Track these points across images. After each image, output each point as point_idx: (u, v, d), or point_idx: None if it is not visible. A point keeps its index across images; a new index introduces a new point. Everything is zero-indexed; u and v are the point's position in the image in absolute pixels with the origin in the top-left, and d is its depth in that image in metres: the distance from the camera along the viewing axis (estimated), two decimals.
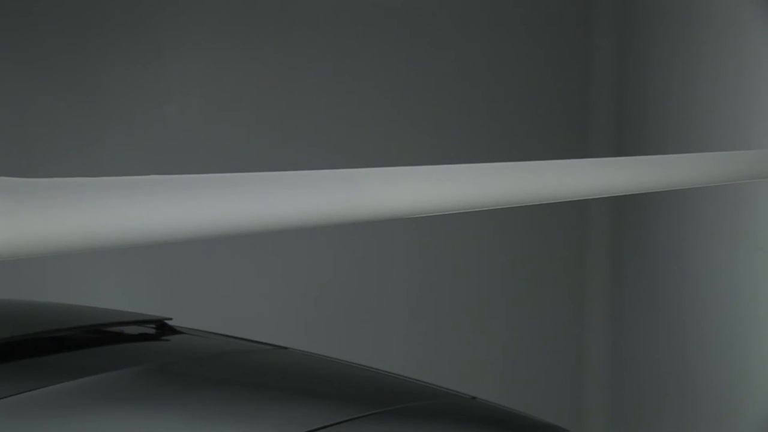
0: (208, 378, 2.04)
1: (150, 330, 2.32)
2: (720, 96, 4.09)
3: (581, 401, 4.90)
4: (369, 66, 4.53)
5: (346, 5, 4.48)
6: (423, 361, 4.56)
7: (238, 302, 4.34)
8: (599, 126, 4.87)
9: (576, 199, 1.66)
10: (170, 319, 2.36)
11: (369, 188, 1.31)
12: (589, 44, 4.86)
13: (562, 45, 4.86)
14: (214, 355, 2.20)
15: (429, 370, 4.12)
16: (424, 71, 4.63)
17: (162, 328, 2.32)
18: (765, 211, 3.91)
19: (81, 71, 4.13)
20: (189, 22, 4.25)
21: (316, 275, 4.48)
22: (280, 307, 4.41)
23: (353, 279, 4.55)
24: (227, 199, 1.17)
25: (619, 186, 1.74)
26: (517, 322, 4.86)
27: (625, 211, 4.73)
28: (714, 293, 4.19)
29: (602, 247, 4.88)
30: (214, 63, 4.30)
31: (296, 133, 4.42)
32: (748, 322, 4.03)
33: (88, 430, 1.65)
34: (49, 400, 1.72)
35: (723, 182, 2.00)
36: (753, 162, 2.04)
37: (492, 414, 2.04)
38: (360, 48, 4.51)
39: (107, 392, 1.81)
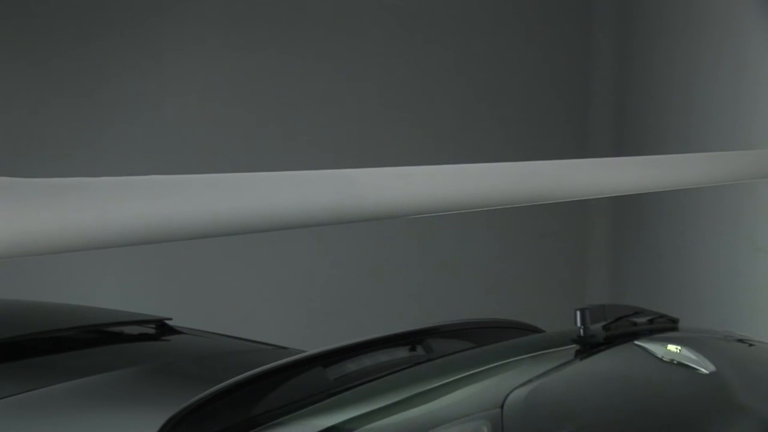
0: (208, 378, 2.04)
1: (150, 330, 2.31)
2: (720, 96, 4.09)
3: None
4: (369, 67, 4.53)
5: (346, 5, 4.48)
6: None
7: (238, 302, 4.34)
8: (599, 126, 4.86)
9: (576, 199, 1.66)
10: (170, 319, 2.36)
11: (369, 188, 1.31)
12: (589, 44, 4.86)
13: (562, 45, 4.86)
14: (213, 355, 2.19)
15: None
16: (425, 72, 4.63)
17: (162, 328, 2.32)
18: (765, 211, 3.90)
19: (81, 71, 4.12)
20: (189, 23, 4.25)
21: (315, 275, 4.48)
22: (280, 307, 4.41)
23: (353, 279, 4.55)
24: (227, 199, 1.17)
25: (619, 186, 1.74)
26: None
27: (625, 211, 4.73)
28: (714, 293, 4.18)
29: (602, 247, 4.87)
30: (214, 63, 4.29)
31: (296, 132, 4.42)
32: (748, 322, 4.03)
33: (88, 430, 1.65)
34: (49, 400, 1.72)
35: (723, 182, 1.99)
36: (753, 162, 2.04)
37: None
38: (360, 49, 4.50)
39: (107, 392, 1.80)
